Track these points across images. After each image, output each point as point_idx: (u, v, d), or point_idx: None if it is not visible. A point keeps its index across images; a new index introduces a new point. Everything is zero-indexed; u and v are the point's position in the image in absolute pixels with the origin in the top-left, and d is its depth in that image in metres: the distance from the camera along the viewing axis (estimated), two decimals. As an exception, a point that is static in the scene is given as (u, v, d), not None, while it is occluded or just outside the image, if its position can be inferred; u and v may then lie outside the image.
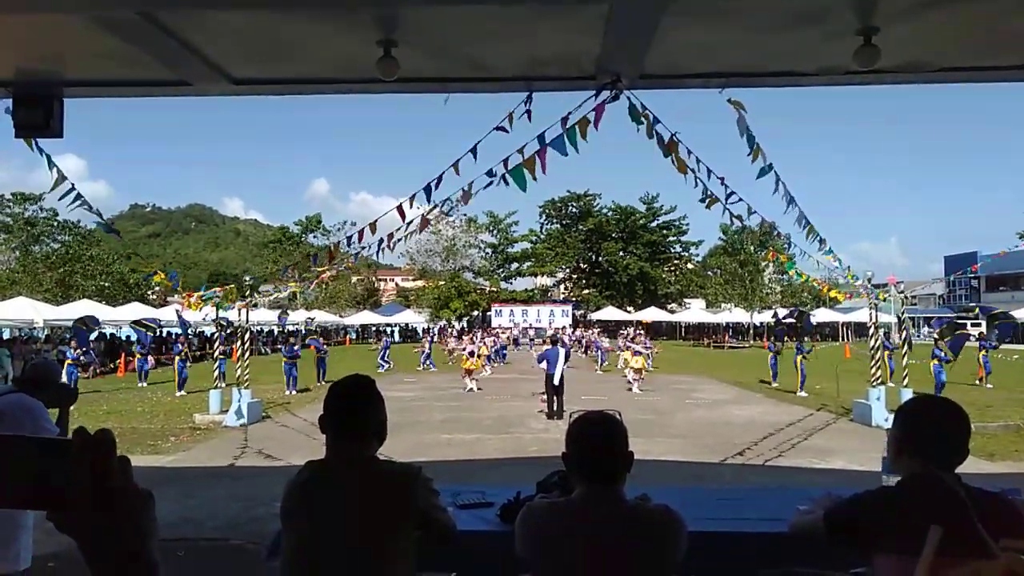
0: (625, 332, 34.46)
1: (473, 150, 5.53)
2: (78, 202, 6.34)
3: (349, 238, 9.27)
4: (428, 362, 28.50)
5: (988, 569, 0.54)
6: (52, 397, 3.66)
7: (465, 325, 54.48)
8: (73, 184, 6.15)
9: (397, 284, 77.67)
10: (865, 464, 8.84)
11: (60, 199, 6.19)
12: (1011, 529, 1.79)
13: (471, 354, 19.69)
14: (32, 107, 4.57)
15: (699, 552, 2.17)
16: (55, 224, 40.49)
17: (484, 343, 25.50)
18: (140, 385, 21.10)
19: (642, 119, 5.03)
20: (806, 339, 19.77)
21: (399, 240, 8.38)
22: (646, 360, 20.18)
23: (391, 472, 2.21)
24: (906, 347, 14.06)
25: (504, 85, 4.87)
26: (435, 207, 7.34)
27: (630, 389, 19.08)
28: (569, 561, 2.01)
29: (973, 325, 15.34)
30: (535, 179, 5.35)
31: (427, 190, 5.99)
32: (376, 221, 7.73)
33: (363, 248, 10.45)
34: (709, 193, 6.31)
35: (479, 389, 19.21)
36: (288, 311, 21.66)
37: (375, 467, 2.21)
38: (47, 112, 4.59)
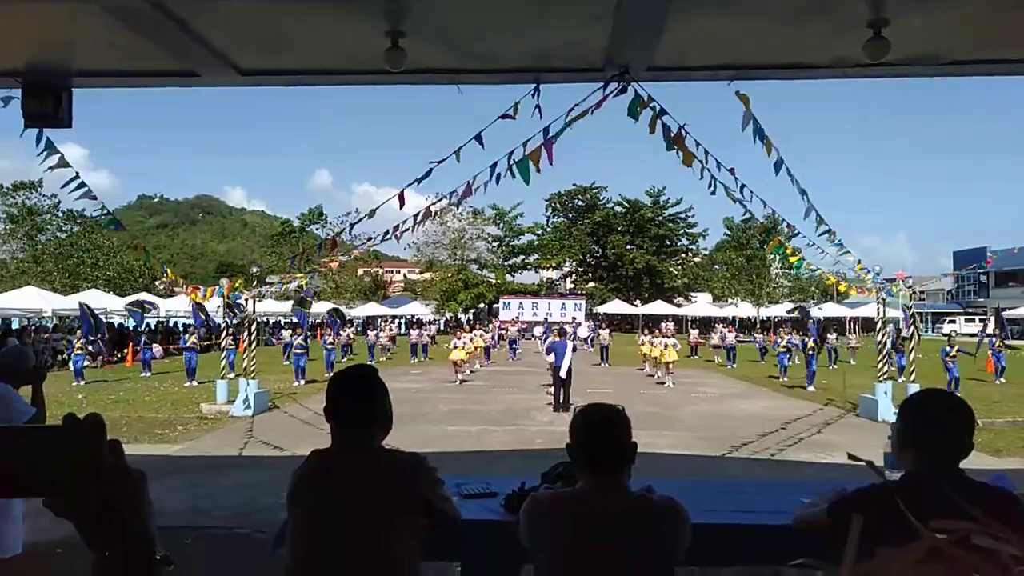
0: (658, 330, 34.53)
1: (478, 138, 5.51)
2: (82, 190, 6.37)
3: (352, 226, 9.39)
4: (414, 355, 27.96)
5: (913, 551, 0.54)
6: (22, 380, 3.73)
7: (471, 317, 54.41)
8: (77, 172, 6.18)
9: (405, 276, 77.69)
10: (871, 459, 8.82)
11: (63, 187, 6.25)
12: (1015, 523, 1.79)
13: (453, 347, 19.75)
14: (41, 97, 4.60)
15: (702, 544, 2.17)
16: (59, 213, 40.24)
17: (479, 337, 25.21)
18: (144, 375, 20.70)
19: (639, 114, 5.01)
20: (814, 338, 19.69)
21: (406, 230, 8.41)
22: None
23: (396, 461, 2.22)
24: (913, 342, 14.01)
25: (512, 77, 4.86)
26: (441, 199, 7.36)
27: (662, 383, 19.07)
28: (573, 552, 2.02)
29: (981, 321, 15.22)
30: (539, 171, 5.34)
31: (427, 175, 6.01)
32: (375, 209, 7.81)
33: (369, 239, 10.54)
34: (714, 183, 6.29)
35: (462, 382, 19.21)
36: (308, 303, 19.76)
37: (380, 456, 2.23)
38: (56, 102, 4.62)
